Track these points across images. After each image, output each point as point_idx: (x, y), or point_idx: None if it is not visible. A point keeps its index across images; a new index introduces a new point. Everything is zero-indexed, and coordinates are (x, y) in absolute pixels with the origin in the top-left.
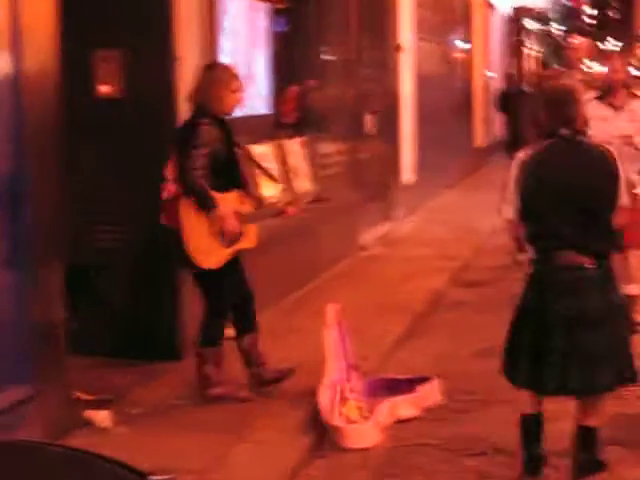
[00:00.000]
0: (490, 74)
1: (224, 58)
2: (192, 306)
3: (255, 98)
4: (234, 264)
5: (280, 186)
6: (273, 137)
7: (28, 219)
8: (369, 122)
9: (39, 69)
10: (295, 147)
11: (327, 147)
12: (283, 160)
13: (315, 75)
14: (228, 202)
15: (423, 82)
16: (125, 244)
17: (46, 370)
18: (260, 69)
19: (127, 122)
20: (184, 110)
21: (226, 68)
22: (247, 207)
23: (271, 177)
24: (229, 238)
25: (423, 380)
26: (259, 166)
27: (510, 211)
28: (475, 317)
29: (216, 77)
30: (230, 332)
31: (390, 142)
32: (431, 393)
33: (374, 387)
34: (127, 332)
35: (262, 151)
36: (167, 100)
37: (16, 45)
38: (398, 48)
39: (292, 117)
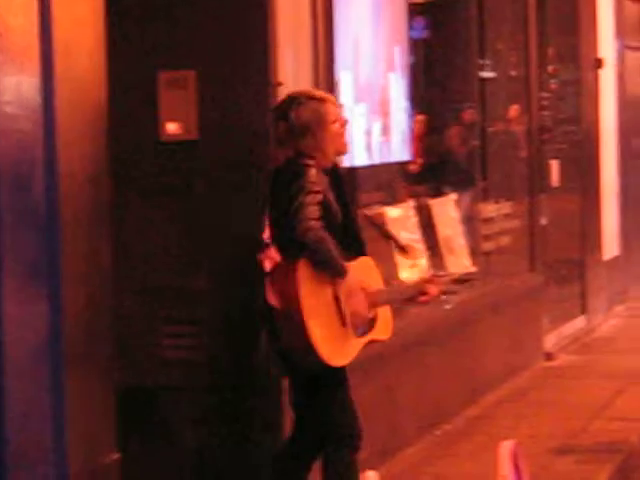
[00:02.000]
0: None
1: (344, 80)
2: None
3: (389, 137)
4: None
5: (417, 263)
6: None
7: (58, 318)
8: (554, 170)
9: (77, 102)
10: (446, 208)
11: (491, 208)
12: (429, 226)
13: (470, 100)
14: (356, 271)
15: (633, 110)
16: (204, 354)
17: None
18: (395, 94)
19: (206, 172)
20: None
21: (330, 99)
22: (376, 282)
23: (403, 250)
24: (355, 323)
25: None
26: (387, 234)
27: None
28: None
29: (320, 112)
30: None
31: (586, 200)
32: None
33: None
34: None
35: (397, 214)
36: (262, 142)
37: (46, 67)
38: (598, 63)
39: (416, 164)
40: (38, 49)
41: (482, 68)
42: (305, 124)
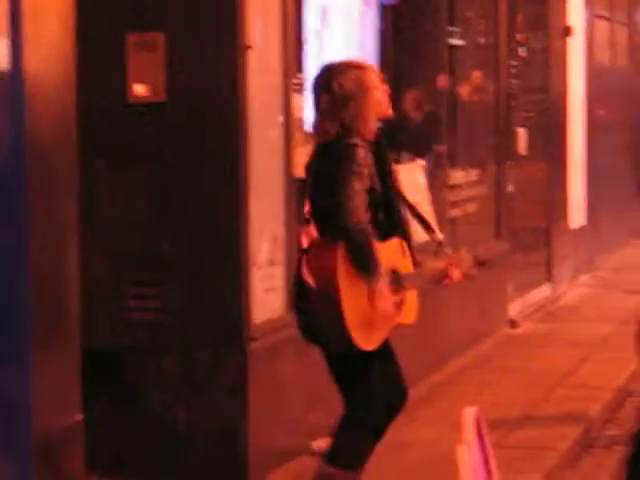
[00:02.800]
0: None
1: (313, 43)
2: (263, 407)
3: None
4: (389, 346)
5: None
6: None
7: (24, 280)
8: (521, 138)
9: (46, 64)
10: (414, 174)
11: (457, 175)
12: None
13: (438, 68)
14: (389, 253)
15: (601, 80)
16: (171, 317)
17: None
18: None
19: (174, 135)
20: (256, 118)
21: (369, 65)
22: (407, 265)
23: (428, 226)
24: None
25: None
26: (413, 209)
27: None
28: None
29: (362, 79)
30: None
31: (553, 168)
32: None
33: None
34: (170, 444)
35: None
36: (230, 105)
37: (14, 31)
38: (567, 31)
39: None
40: (7, 11)
41: (451, 35)
42: (348, 93)
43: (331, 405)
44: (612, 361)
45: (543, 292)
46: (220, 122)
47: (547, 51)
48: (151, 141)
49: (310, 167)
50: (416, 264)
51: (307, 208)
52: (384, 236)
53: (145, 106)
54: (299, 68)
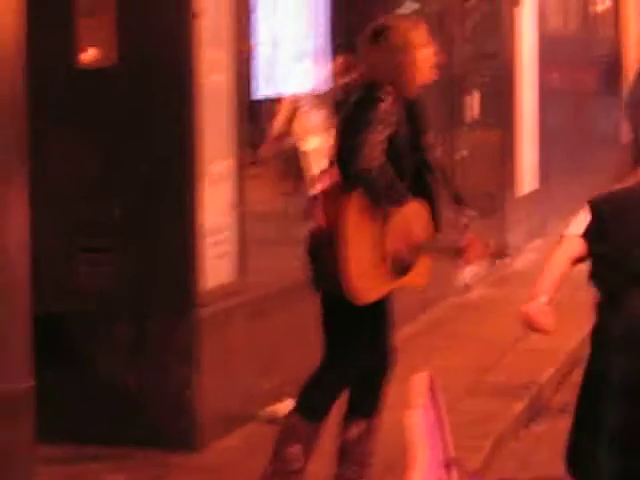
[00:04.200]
0: None
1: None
2: (214, 373)
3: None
4: (384, 308)
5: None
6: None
7: None
8: (473, 104)
9: None
10: None
11: None
12: None
13: None
14: (407, 214)
15: (551, 46)
16: (122, 283)
17: (4, 465)
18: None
19: (124, 100)
20: (208, 83)
21: (421, 25)
22: (425, 229)
23: (460, 200)
24: (394, 262)
25: None
26: (447, 180)
27: None
28: None
29: (411, 36)
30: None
31: (504, 134)
32: None
33: None
34: (121, 410)
35: (316, 144)
36: (181, 71)
37: None
38: (515, 1)
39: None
40: None
41: (403, 1)
42: (396, 47)
43: (282, 371)
44: (564, 326)
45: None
46: (171, 87)
47: (498, 17)
48: (101, 106)
49: (340, 112)
50: (438, 231)
51: (332, 152)
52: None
53: (95, 71)
54: (250, 32)
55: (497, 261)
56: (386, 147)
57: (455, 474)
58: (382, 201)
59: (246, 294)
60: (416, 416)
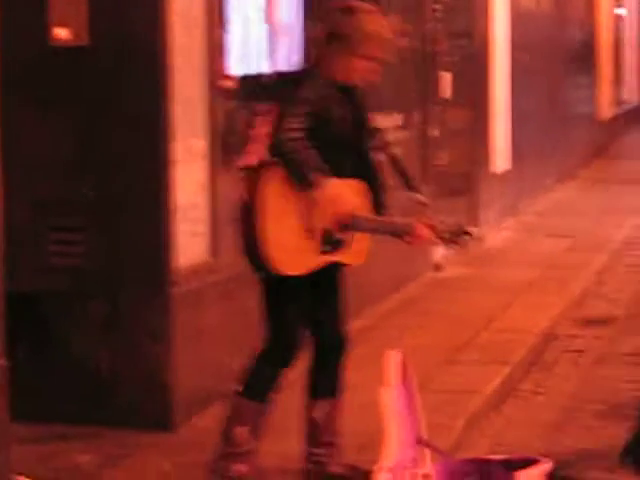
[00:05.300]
0: (622, 11)
1: None
2: (187, 351)
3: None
4: (328, 285)
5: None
6: None
7: None
8: (445, 83)
9: None
10: None
11: (382, 119)
12: None
13: None
14: (344, 190)
15: (524, 25)
16: (94, 262)
17: None
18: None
19: (96, 78)
20: (181, 63)
21: (379, 17)
22: (362, 208)
23: (410, 184)
24: (320, 238)
25: (526, 462)
26: (396, 163)
27: None
28: (599, 370)
29: (362, 29)
30: None
31: (477, 113)
32: None
33: (455, 472)
34: (93, 390)
35: None
36: (153, 48)
37: None
38: None
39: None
40: None
41: None
42: (341, 33)
43: (255, 350)
44: (536, 305)
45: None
46: (143, 66)
47: None
48: (73, 85)
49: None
50: (381, 212)
51: (267, 129)
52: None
53: (67, 49)
54: (222, 11)
55: (459, 242)
56: (319, 128)
57: (427, 453)
58: (297, 175)
59: (219, 273)
60: (389, 394)
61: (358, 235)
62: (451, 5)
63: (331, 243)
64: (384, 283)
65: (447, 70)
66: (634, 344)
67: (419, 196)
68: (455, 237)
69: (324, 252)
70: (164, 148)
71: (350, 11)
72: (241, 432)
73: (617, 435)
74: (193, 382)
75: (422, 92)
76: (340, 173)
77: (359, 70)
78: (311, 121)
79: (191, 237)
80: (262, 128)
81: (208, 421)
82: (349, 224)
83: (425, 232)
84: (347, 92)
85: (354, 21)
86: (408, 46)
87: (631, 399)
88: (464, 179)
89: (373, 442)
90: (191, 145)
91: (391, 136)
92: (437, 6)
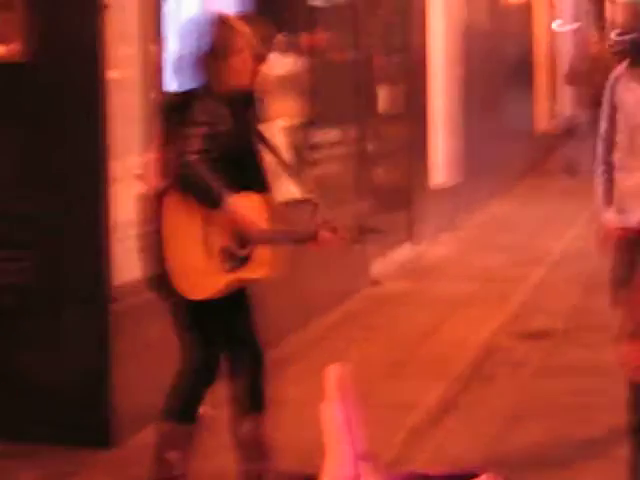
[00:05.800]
0: (559, 28)
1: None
2: (128, 368)
3: None
4: (238, 303)
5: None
6: None
7: None
8: (382, 97)
9: None
10: (272, 133)
11: (320, 134)
12: None
13: (299, 29)
14: (244, 206)
15: (463, 40)
16: (35, 278)
17: None
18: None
19: (35, 95)
20: (119, 79)
21: (243, 28)
22: (262, 221)
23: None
24: (223, 257)
25: (467, 475)
26: (287, 168)
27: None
28: (539, 383)
29: (232, 43)
30: (207, 409)
31: (414, 127)
32: None
33: None
34: (34, 405)
35: None
36: (91, 65)
37: None
38: None
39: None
40: None
41: None
42: (214, 48)
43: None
44: (476, 318)
45: (404, 251)
46: (81, 81)
47: (408, 10)
48: (12, 101)
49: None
50: (281, 221)
51: (156, 155)
52: (241, 190)
53: (5, 66)
54: (158, 21)
55: (365, 241)
56: (216, 146)
57: (369, 467)
58: (198, 197)
59: None
60: (329, 410)
61: (260, 248)
62: (389, 20)
63: (233, 260)
64: (324, 297)
65: (385, 85)
66: (573, 356)
67: (312, 198)
68: (359, 236)
69: (229, 270)
70: (102, 164)
71: (218, 23)
72: (172, 456)
73: (558, 445)
74: (135, 398)
75: (360, 107)
76: (239, 187)
77: (235, 77)
78: (209, 141)
79: (131, 253)
80: (153, 154)
81: (150, 438)
82: (251, 238)
83: (327, 236)
84: (237, 102)
85: (221, 32)
86: (345, 61)
87: (570, 410)
88: (402, 194)
89: (314, 458)
90: (129, 161)
91: (328, 152)
92: (376, 19)
